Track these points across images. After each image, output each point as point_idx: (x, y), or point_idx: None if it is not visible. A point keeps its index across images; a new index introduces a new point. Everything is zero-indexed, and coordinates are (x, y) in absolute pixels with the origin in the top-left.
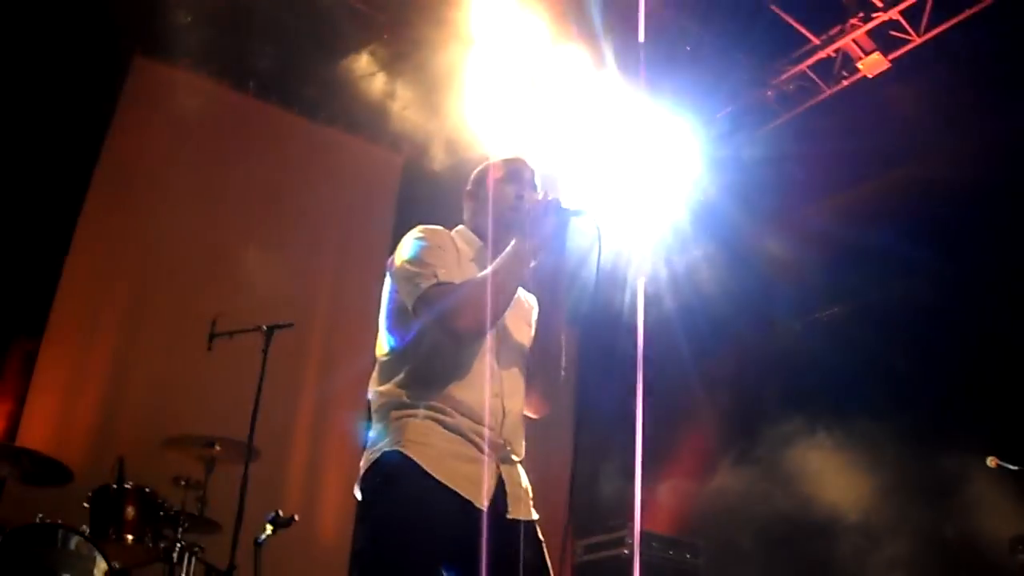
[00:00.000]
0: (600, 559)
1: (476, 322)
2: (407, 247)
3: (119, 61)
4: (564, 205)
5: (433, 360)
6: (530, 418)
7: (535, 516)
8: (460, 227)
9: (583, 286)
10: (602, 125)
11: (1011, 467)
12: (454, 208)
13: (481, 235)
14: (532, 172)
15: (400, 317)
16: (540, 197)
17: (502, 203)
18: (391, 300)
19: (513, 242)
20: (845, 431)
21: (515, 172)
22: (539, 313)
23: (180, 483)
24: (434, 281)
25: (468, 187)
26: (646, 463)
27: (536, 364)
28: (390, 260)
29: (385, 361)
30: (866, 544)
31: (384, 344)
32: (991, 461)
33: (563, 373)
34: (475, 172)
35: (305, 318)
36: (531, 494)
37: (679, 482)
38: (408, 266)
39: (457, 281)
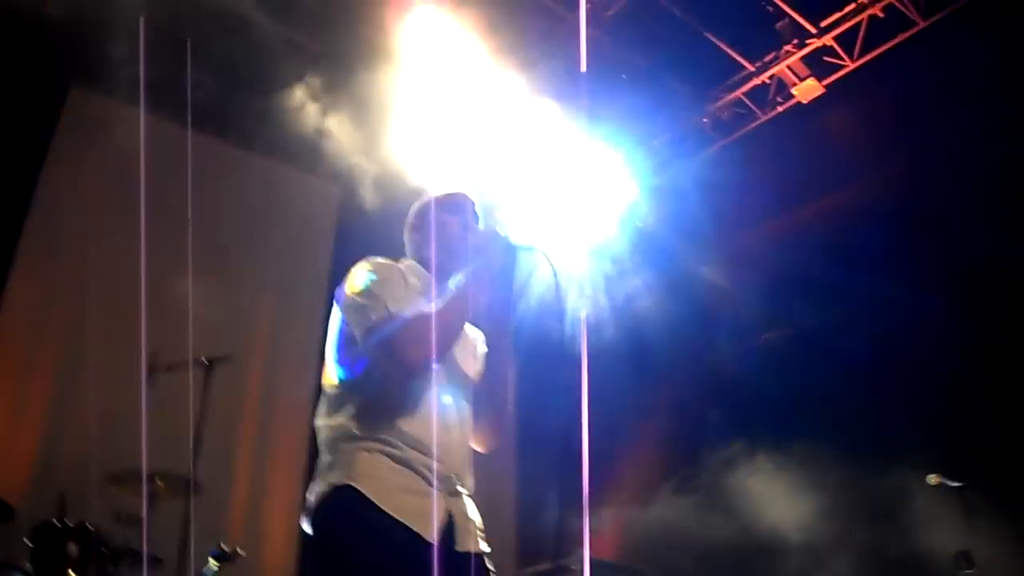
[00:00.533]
0: None
1: (424, 354)
2: (357, 279)
3: (55, 93)
4: (513, 240)
5: (382, 392)
6: (477, 451)
7: (485, 548)
8: (407, 260)
9: (521, 319)
10: (539, 153)
11: (952, 483)
12: (393, 238)
13: (428, 267)
14: (473, 204)
15: (349, 348)
16: (486, 229)
17: (447, 234)
18: (340, 331)
19: (461, 274)
20: (785, 454)
21: (458, 204)
22: (489, 346)
23: (122, 519)
24: (384, 313)
25: (411, 219)
26: (590, 491)
27: (482, 399)
28: (339, 291)
29: (334, 393)
30: (810, 565)
31: (333, 375)
32: (932, 479)
33: (510, 407)
34: (416, 205)
35: (245, 351)
36: (480, 526)
37: (624, 509)
38: (358, 298)
39: (407, 314)
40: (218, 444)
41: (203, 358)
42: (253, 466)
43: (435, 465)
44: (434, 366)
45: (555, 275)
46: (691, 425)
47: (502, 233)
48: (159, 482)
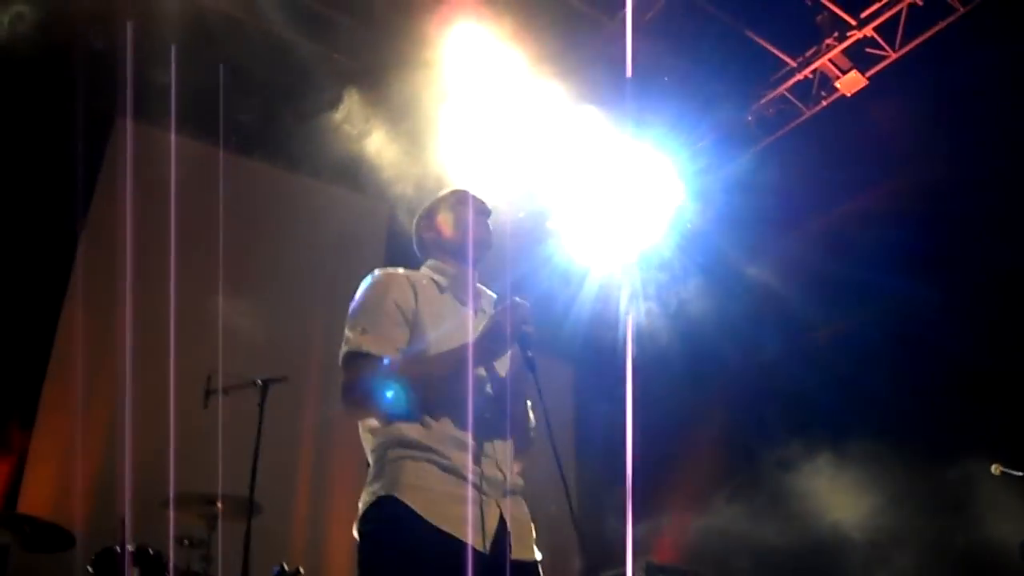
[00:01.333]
0: None
1: (359, 407)
2: (356, 298)
3: (101, 124)
4: (525, 329)
5: (425, 397)
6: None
7: (538, 556)
8: (428, 262)
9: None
10: (585, 160)
11: (1016, 473)
12: None
13: (452, 255)
14: (474, 198)
15: None
16: (501, 309)
17: (464, 224)
18: None
19: (473, 345)
20: (842, 452)
21: (460, 199)
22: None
23: (183, 542)
24: (350, 349)
25: (422, 221)
26: (649, 495)
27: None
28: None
29: None
30: (874, 562)
31: None
32: (995, 468)
33: (531, 435)
34: (422, 210)
35: (300, 371)
36: (534, 532)
37: (683, 512)
38: (348, 320)
39: (385, 335)
40: (277, 465)
41: (258, 380)
42: (313, 485)
43: (482, 467)
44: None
45: (535, 377)
46: (746, 426)
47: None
48: (219, 504)
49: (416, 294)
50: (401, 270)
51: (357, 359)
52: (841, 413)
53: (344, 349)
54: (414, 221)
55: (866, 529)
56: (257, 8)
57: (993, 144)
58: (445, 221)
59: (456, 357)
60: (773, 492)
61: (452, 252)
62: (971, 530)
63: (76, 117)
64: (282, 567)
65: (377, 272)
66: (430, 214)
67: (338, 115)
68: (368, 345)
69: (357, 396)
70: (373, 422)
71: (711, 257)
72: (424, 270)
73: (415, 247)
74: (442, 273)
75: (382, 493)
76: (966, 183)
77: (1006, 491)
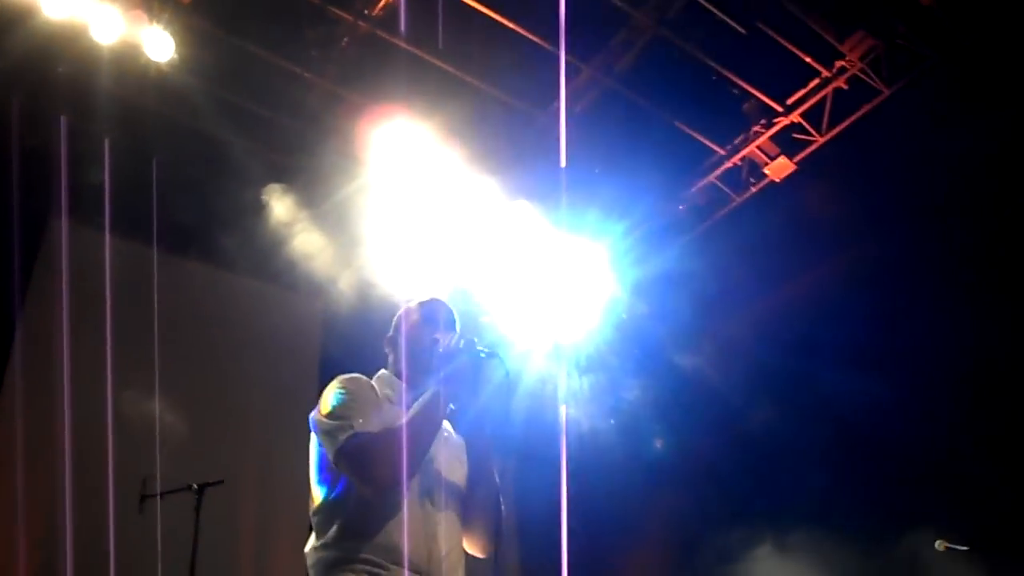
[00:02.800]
0: None
1: (391, 472)
2: (326, 400)
3: (35, 224)
4: (478, 346)
5: (363, 511)
6: (476, 559)
7: None
8: (382, 371)
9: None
10: (521, 253)
11: (960, 548)
12: (379, 349)
13: (407, 380)
14: (448, 312)
15: (326, 470)
16: (454, 338)
17: (419, 347)
18: (317, 454)
19: (431, 388)
20: (783, 539)
21: (430, 314)
22: (469, 453)
23: None
24: (351, 433)
25: (388, 333)
26: None
27: (474, 504)
28: (312, 415)
29: (317, 518)
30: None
31: (315, 498)
32: (940, 545)
33: (504, 510)
34: (394, 318)
35: (237, 473)
36: None
37: None
38: (327, 420)
39: (375, 430)
40: (214, 571)
41: (193, 484)
42: None
43: None
44: (405, 481)
45: (507, 377)
46: (686, 516)
47: (471, 340)
48: None
49: (379, 405)
50: (365, 378)
51: (352, 439)
52: (781, 501)
53: (340, 438)
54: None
55: None
56: (190, 106)
57: (924, 223)
58: (404, 343)
59: (423, 398)
60: None
61: (406, 377)
62: None
63: (10, 217)
64: None
65: (344, 376)
66: (395, 328)
67: (272, 213)
68: (359, 425)
69: (376, 456)
70: (313, 540)
71: (646, 347)
72: (376, 381)
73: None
74: (391, 388)
75: None
76: (899, 264)
77: (952, 567)
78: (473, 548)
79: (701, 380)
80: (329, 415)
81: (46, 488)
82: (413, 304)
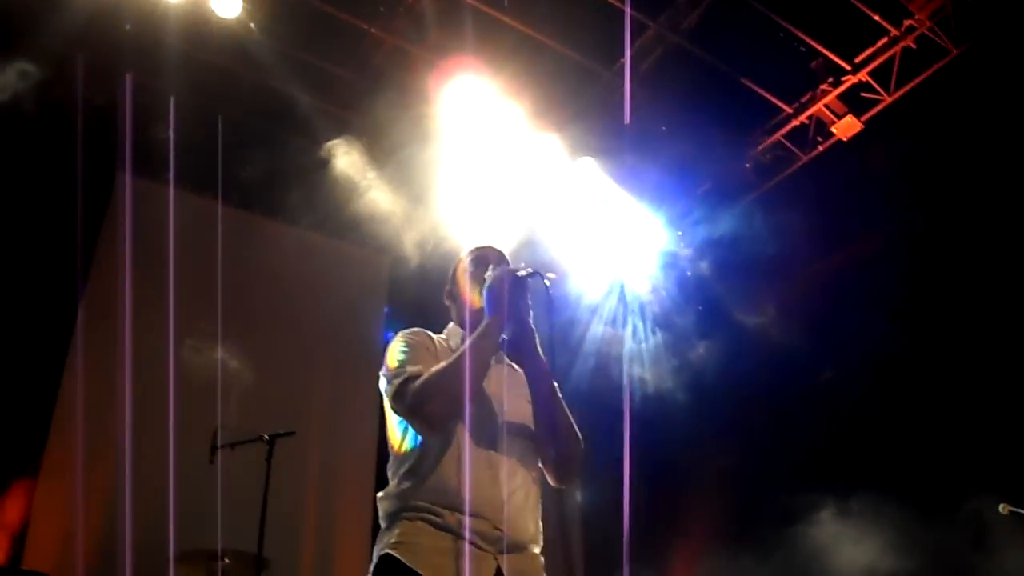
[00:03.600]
0: None
1: (443, 406)
2: (387, 355)
3: (102, 180)
4: (518, 272)
5: (422, 457)
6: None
7: None
8: (450, 325)
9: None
10: (586, 211)
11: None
12: (443, 303)
13: (472, 328)
14: (498, 254)
15: (390, 418)
16: (496, 273)
17: (477, 292)
18: (385, 403)
19: (483, 321)
20: (847, 497)
21: (481, 259)
22: (531, 384)
23: None
24: (403, 378)
25: (446, 287)
26: (651, 543)
27: (543, 431)
28: (381, 370)
29: (390, 467)
30: None
31: (390, 448)
32: (1003, 508)
33: (579, 436)
34: (451, 272)
35: (303, 424)
36: None
37: (685, 561)
38: (387, 373)
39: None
40: (283, 519)
41: (264, 435)
42: (319, 538)
43: (480, 524)
44: (467, 411)
45: (548, 295)
46: (747, 474)
47: (508, 268)
48: (226, 559)
49: (438, 355)
50: (426, 331)
51: (406, 383)
52: (845, 459)
53: (396, 384)
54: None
55: (871, 572)
56: (256, 62)
57: (990, 185)
58: (463, 293)
59: (465, 345)
60: (776, 540)
61: (469, 325)
62: (983, 572)
63: (77, 173)
64: None
65: (406, 331)
66: (452, 279)
67: (337, 168)
68: (414, 369)
69: (429, 392)
70: (385, 487)
71: (710, 305)
72: (445, 334)
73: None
74: (458, 339)
75: (381, 553)
76: (964, 225)
77: (1017, 530)
78: (553, 479)
79: (765, 338)
80: (388, 367)
81: (113, 439)
82: (465, 255)
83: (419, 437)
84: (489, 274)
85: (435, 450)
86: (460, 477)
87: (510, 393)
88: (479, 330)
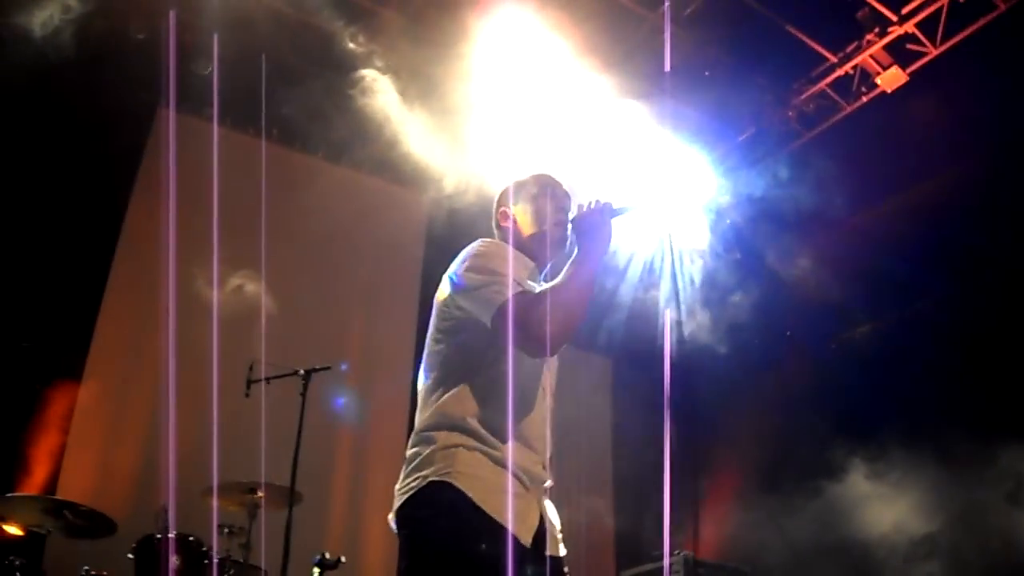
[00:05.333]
0: None
1: (564, 331)
2: (474, 258)
3: (144, 114)
4: (616, 205)
5: (487, 380)
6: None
7: (563, 552)
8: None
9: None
10: (625, 153)
11: None
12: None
13: (528, 253)
14: (563, 187)
15: (458, 329)
16: (590, 203)
17: (541, 218)
18: (447, 311)
19: (576, 252)
20: (885, 450)
21: (547, 187)
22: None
23: (224, 530)
24: (518, 290)
25: (500, 208)
26: (687, 491)
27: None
28: (455, 273)
29: (436, 378)
30: (917, 560)
31: (435, 359)
32: None
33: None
34: (503, 191)
35: (339, 360)
36: (560, 529)
37: (722, 508)
38: (478, 276)
39: (539, 290)
40: (317, 454)
41: (300, 369)
42: (352, 474)
43: (531, 465)
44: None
45: (665, 241)
46: (786, 423)
47: (608, 203)
48: (259, 493)
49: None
50: (504, 243)
51: (519, 293)
52: (884, 411)
53: (505, 293)
54: (496, 198)
55: (906, 529)
56: (299, 0)
57: None
58: (523, 216)
59: (571, 270)
60: (813, 490)
61: (527, 251)
62: (1010, 528)
63: (119, 106)
64: (323, 556)
65: (488, 239)
66: (509, 201)
67: (378, 108)
68: (522, 282)
69: (543, 313)
70: (428, 406)
71: (751, 253)
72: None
73: (493, 225)
74: (523, 265)
75: (435, 478)
76: (1008, 180)
77: None
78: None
79: (802, 289)
80: (480, 270)
81: (151, 370)
82: (526, 176)
83: (492, 358)
84: (583, 209)
85: (506, 376)
86: (527, 412)
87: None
88: (585, 262)
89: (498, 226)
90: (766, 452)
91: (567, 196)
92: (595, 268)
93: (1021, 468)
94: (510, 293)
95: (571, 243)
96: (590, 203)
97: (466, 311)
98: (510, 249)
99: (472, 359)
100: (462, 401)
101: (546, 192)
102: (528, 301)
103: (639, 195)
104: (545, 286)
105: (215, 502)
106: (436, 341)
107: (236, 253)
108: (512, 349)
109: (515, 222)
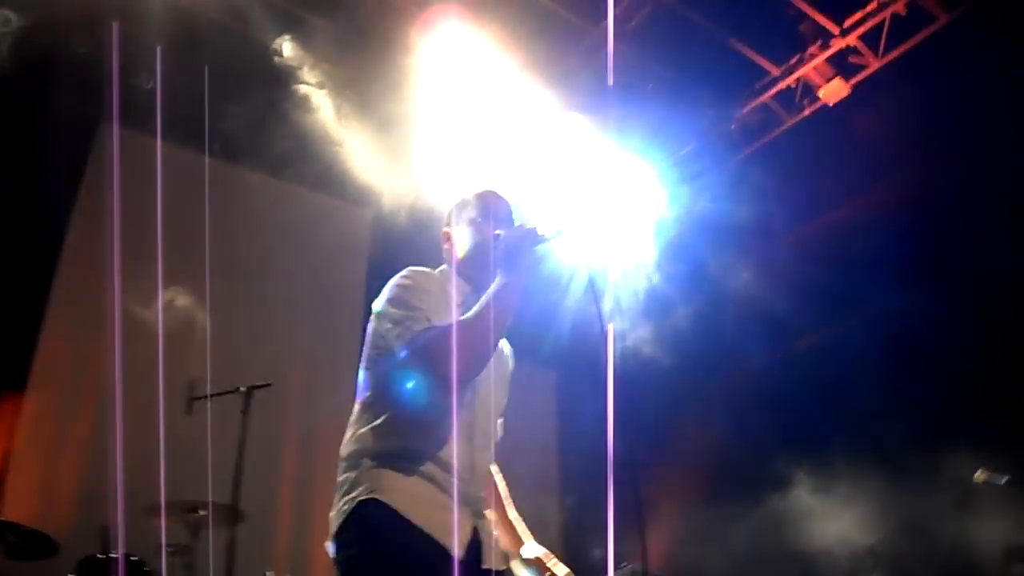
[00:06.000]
0: None
1: (468, 365)
2: (395, 290)
3: (86, 129)
4: (540, 232)
5: (412, 408)
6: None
7: (506, 566)
8: (443, 267)
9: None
10: (568, 167)
11: (999, 480)
12: (426, 258)
13: (465, 277)
14: (506, 205)
15: (383, 360)
16: (516, 228)
17: (481, 238)
18: (374, 341)
19: (498, 279)
20: (826, 461)
21: (488, 204)
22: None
23: (166, 549)
24: (424, 324)
25: (444, 228)
26: (632, 503)
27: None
28: (377, 302)
29: (363, 409)
30: (867, 560)
31: (363, 386)
32: (979, 475)
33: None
34: (449, 211)
35: (284, 377)
36: (501, 546)
37: (665, 520)
38: (396, 310)
39: (446, 324)
40: (261, 472)
41: (241, 387)
42: (297, 492)
43: (458, 483)
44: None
45: (589, 270)
46: (730, 435)
47: (534, 228)
48: (202, 511)
49: (443, 293)
50: (432, 273)
51: (428, 328)
52: (825, 422)
53: (413, 328)
54: (446, 216)
55: (848, 541)
56: (241, 12)
57: (976, 153)
58: (461, 238)
59: (486, 301)
60: (756, 501)
61: (465, 273)
62: (956, 538)
63: (60, 122)
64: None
65: (413, 268)
66: (449, 221)
67: (321, 122)
68: (433, 317)
69: (448, 349)
70: (355, 430)
71: (694, 265)
72: (440, 273)
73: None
74: (456, 288)
75: (363, 497)
76: (948, 192)
77: (989, 498)
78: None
79: (748, 298)
80: (398, 304)
81: (94, 390)
82: (469, 196)
83: (415, 388)
84: (506, 232)
85: (429, 404)
86: (453, 435)
87: (497, 373)
88: (504, 290)
89: (444, 245)
90: (711, 464)
91: (510, 216)
92: (512, 297)
93: (966, 476)
94: (417, 328)
95: (494, 266)
96: (517, 228)
97: (390, 344)
98: (436, 278)
99: (397, 390)
100: (389, 428)
101: (487, 213)
102: (433, 338)
103: (569, 220)
104: (457, 319)
105: (163, 520)
106: (365, 368)
107: (178, 269)
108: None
109: (454, 244)
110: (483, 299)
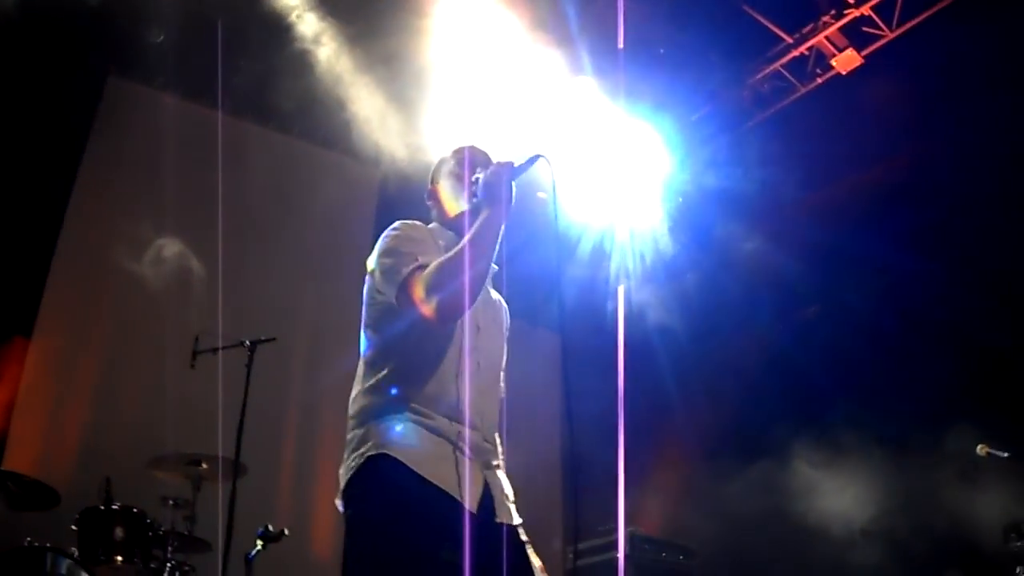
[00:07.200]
0: (592, 563)
1: (454, 297)
2: (384, 240)
3: (93, 82)
4: (517, 163)
5: (414, 358)
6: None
7: (518, 520)
8: (433, 224)
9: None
10: (579, 130)
11: (1001, 454)
12: (433, 217)
13: (453, 229)
14: (482, 152)
15: (381, 314)
16: (492, 165)
17: (461, 188)
18: (371, 298)
19: (481, 213)
20: (833, 427)
21: (464, 157)
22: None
23: (168, 502)
24: (414, 265)
25: (428, 186)
26: (636, 467)
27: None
28: (371, 258)
29: (366, 362)
30: (859, 541)
31: (365, 345)
32: (981, 449)
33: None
34: (432, 169)
35: (289, 333)
36: (513, 499)
37: (670, 485)
38: (386, 259)
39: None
40: (264, 426)
41: (246, 341)
42: (299, 447)
43: (468, 433)
44: (467, 320)
45: (554, 186)
46: (737, 400)
47: (510, 161)
48: (204, 465)
49: (434, 242)
50: (419, 223)
51: (417, 268)
52: (833, 388)
53: (403, 271)
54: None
55: (849, 509)
56: None
57: (987, 123)
58: (444, 192)
59: (470, 234)
60: (762, 467)
61: (450, 226)
62: (955, 512)
63: (70, 74)
64: (267, 528)
65: (403, 221)
66: (433, 178)
67: (331, 79)
68: (422, 258)
69: (437, 282)
70: (360, 386)
71: (702, 230)
72: (431, 228)
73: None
74: (443, 238)
75: (372, 452)
76: (959, 161)
77: (991, 473)
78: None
79: (756, 264)
80: (388, 253)
81: (97, 342)
82: (447, 155)
83: (415, 336)
84: (483, 172)
85: (431, 352)
86: (459, 383)
87: (490, 318)
88: (485, 222)
89: (429, 203)
90: (712, 430)
91: (488, 163)
92: (495, 227)
93: (970, 448)
94: (407, 271)
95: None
96: (493, 165)
97: (385, 295)
98: (426, 229)
99: (397, 342)
100: (393, 382)
101: (465, 164)
102: (422, 275)
103: (541, 146)
104: (446, 255)
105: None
106: (366, 325)
107: (185, 223)
108: (426, 325)
109: (437, 202)
110: (468, 234)
